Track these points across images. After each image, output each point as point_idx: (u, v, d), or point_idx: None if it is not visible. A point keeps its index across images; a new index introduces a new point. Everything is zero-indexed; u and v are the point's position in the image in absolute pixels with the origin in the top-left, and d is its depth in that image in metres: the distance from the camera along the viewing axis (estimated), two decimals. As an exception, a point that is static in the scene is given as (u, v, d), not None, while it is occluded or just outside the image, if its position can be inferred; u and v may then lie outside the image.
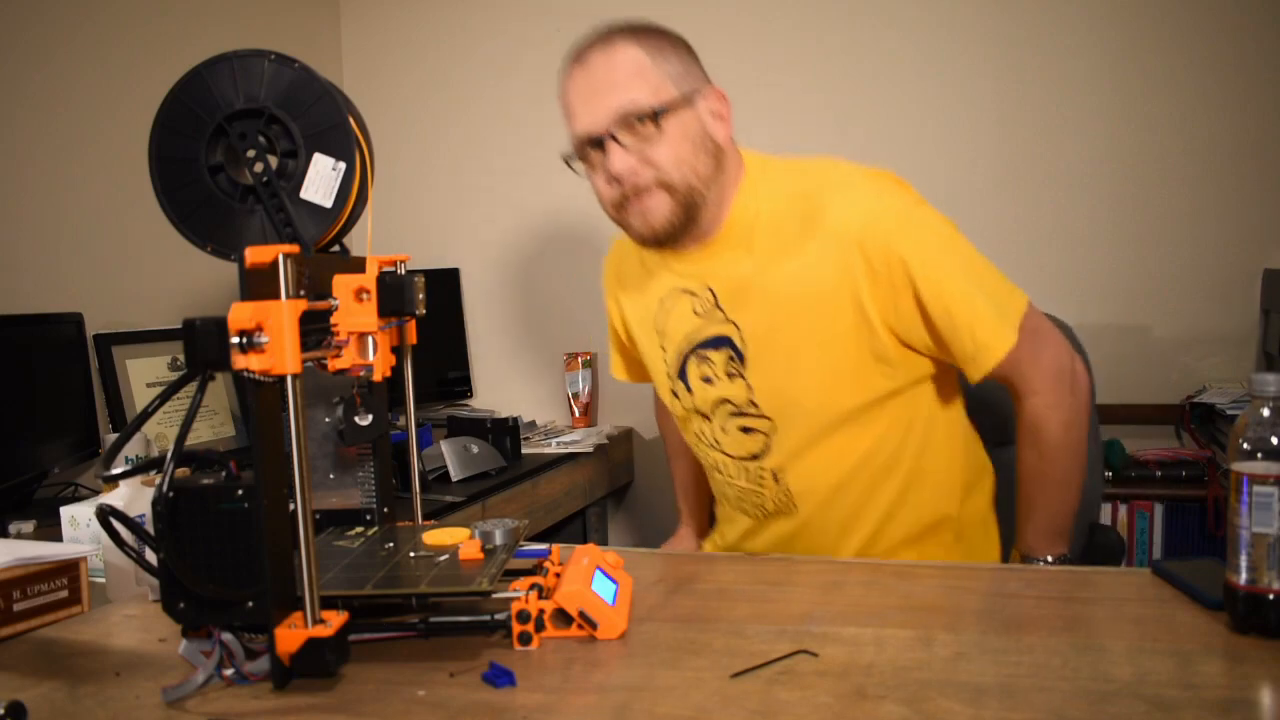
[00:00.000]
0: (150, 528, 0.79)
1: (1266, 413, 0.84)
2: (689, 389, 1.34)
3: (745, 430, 1.30)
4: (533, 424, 2.80)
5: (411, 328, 1.02)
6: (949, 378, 1.33)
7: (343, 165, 0.92)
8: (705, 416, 1.35)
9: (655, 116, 1.19)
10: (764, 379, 1.27)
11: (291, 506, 0.80)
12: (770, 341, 1.26)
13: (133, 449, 1.76)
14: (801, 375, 1.25)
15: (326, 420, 1.00)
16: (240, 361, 0.76)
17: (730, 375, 1.29)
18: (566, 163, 1.27)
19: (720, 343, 1.29)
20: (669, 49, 1.24)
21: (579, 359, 2.83)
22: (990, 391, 1.32)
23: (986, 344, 1.20)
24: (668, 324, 1.35)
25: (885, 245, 1.20)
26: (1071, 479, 1.27)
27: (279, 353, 0.77)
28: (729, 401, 1.30)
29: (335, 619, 0.81)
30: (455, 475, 2.15)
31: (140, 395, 2.13)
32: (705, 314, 1.30)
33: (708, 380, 1.31)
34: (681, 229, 1.24)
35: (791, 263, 1.23)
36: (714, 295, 1.28)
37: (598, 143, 1.21)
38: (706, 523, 1.63)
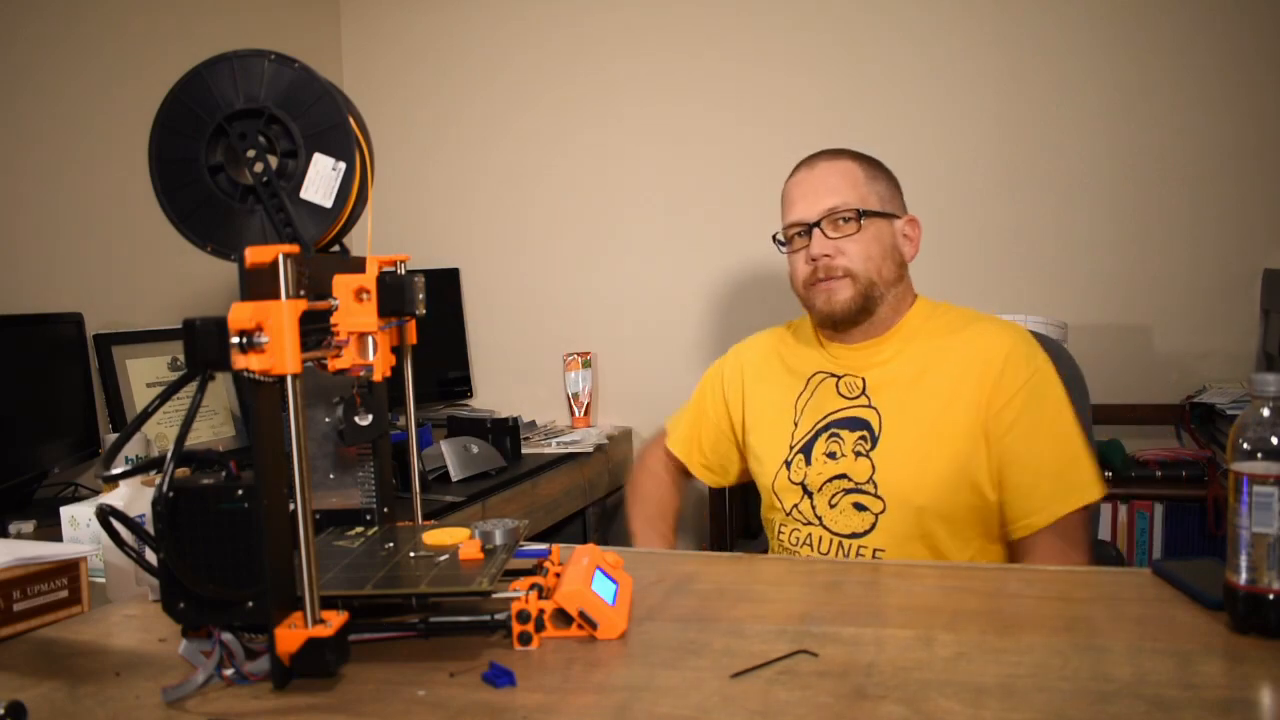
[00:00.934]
0: (150, 528, 0.79)
1: (1266, 413, 0.84)
2: (809, 461, 1.42)
3: (858, 507, 1.37)
4: (533, 424, 2.80)
5: (411, 328, 1.02)
6: None
7: (343, 165, 0.92)
8: (809, 494, 1.41)
9: (858, 216, 1.39)
10: (890, 463, 1.36)
11: (291, 506, 0.80)
12: (905, 431, 1.36)
13: (133, 449, 1.76)
14: (926, 470, 1.34)
15: (326, 420, 1.00)
16: (240, 361, 0.76)
17: (858, 454, 1.39)
18: (774, 241, 1.48)
19: (857, 424, 1.40)
20: (881, 175, 1.46)
21: (579, 359, 2.83)
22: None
23: (1040, 510, 1.31)
24: (810, 400, 1.46)
25: (1017, 376, 1.34)
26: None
27: (279, 353, 0.77)
28: (847, 477, 1.39)
29: (335, 619, 0.81)
30: (455, 475, 2.15)
31: (140, 395, 2.13)
32: (850, 396, 1.43)
33: (832, 455, 1.41)
34: (857, 315, 1.41)
35: (939, 370, 1.38)
36: (864, 383, 1.42)
37: (806, 231, 1.41)
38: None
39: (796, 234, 1.43)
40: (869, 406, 1.40)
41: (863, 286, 1.39)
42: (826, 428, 1.42)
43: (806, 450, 1.43)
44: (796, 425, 1.46)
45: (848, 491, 1.37)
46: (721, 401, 1.59)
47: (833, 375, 1.45)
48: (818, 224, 1.40)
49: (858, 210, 1.39)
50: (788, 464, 1.45)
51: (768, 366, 1.55)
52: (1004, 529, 1.35)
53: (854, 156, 1.44)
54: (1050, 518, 1.30)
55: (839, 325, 1.43)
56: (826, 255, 1.39)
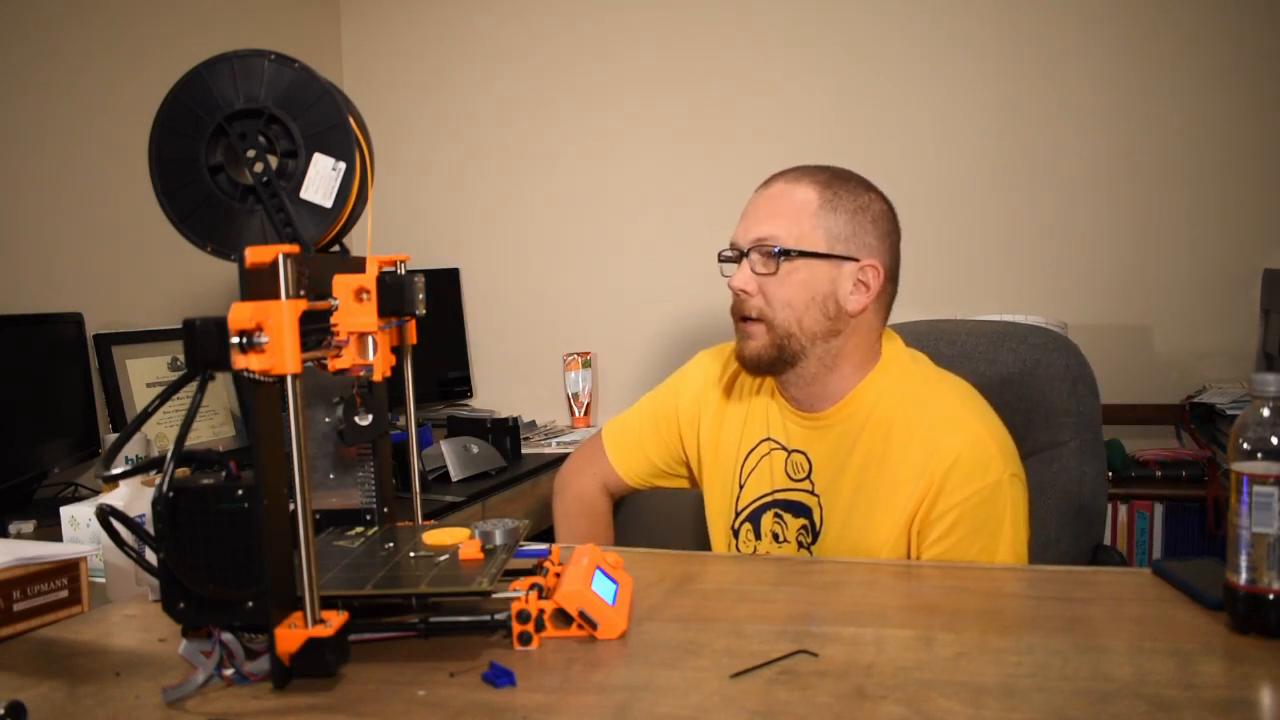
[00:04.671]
0: (150, 528, 0.79)
1: (1266, 413, 0.84)
2: (758, 535, 1.37)
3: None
4: (533, 424, 2.80)
5: (411, 328, 1.02)
6: None
7: (343, 165, 0.92)
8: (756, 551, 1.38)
9: (783, 255, 1.25)
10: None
11: (291, 506, 0.80)
12: (844, 533, 1.28)
13: (133, 449, 1.76)
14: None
15: (326, 420, 1.00)
16: (240, 361, 0.76)
17: (800, 544, 1.32)
18: (719, 257, 1.35)
19: (800, 510, 1.33)
20: (848, 209, 1.28)
21: (579, 359, 2.83)
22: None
23: None
24: (756, 469, 1.38)
25: (959, 490, 1.20)
26: None
27: (279, 353, 0.77)
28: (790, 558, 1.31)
29: (335, 619, 0.81)
30: (455, 475, 2.15)
31: (140, 395, 2.13)
32: (796, 479, 1.34)
33: (777, 538, 1.35)
34: (771, 365, 1.30)
35: (881, 468, 1.26)
36: (810, 466, 1.33)
37: (737, 257, 1.30)
38: None
39: (738, 255, 1.31)
40: (811, 493, 1.32)
41: (778, 336, 1.27)
42: (771, 505, 1.35)
43: (754, 520, 1.37)
44: (742, 489, 1.39)
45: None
46: (677, 439, 1.49)
47: (783, 449, 1.35)
48: (747, 253, 1.29)
49: (784, 250, 1.25)
50: (735, 532, 1.39)
51: (719, 416, 1.44)
52: None
53: (819, 182, 1.29)
54: None
55: (750, 371, 1.34)
56: (745, 292, 1.28)
